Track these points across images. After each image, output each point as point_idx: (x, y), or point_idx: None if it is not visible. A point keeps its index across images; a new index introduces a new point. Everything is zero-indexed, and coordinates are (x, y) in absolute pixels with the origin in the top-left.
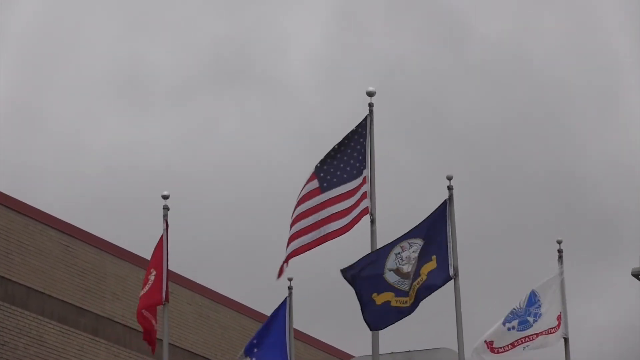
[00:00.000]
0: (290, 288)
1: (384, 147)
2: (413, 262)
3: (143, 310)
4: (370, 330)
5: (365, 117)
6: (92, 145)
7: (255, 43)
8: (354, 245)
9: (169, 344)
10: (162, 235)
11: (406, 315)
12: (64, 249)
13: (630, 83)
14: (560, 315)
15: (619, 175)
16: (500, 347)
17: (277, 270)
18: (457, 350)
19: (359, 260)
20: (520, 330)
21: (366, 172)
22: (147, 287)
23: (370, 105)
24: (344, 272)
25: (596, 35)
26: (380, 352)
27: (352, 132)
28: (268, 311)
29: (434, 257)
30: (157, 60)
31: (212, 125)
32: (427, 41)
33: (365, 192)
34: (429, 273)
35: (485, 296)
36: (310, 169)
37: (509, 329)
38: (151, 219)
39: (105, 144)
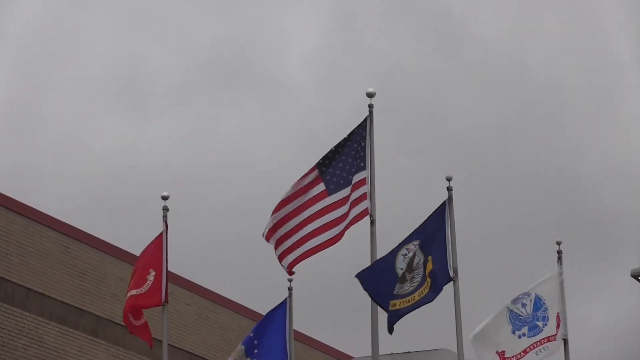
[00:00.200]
0: (290, 289)
1: (382, 148)
2: (410, 265)
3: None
4: (389, 332)
5: (365, 118)
6: (91, 146)
7: (255, 44)
8: (353, 246)
9: (168, 344)
10: (160, 234)
11: (402, 316)
12: (64, 250)
13: (629, 84)
14: (557, 315)
15: (618, 176)
16: (513, 356)
17: (286, 267)
18: (456, 351)
19: (370, 268)
20: (532, 337)
21: (366, 174)
22: (145, 287)
23: (370, 106)
24: (361, 281)
25: (595, 35)
26: (380, 353)
27: (352, 133)
28: (267, 312)
29: (430, 258)
30: (157, 61)
31: (211, 126)
32: (425, 42)
33: (365, 193)
34: (430, 273)
35: (485, 297)
36: (309, 168)
37: (519, 337)
38: (150, 220)
39: (105, 144)
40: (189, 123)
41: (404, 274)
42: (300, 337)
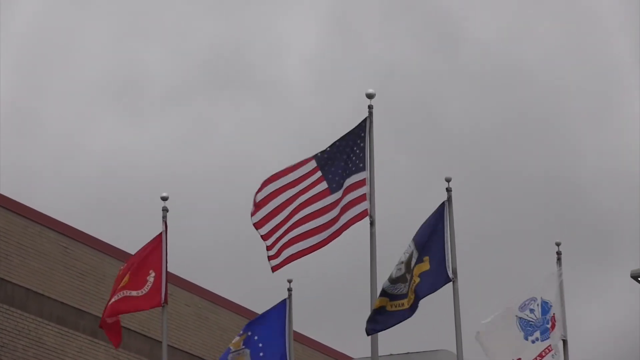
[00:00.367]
0: (289, 290)
1: (381, 149)
2: (402, 265)
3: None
4: (367, 334)
5: (365, 119)
6: (90, 147)
7: (252, 46)
8: (353, 247)
9: (168, 345)
10: (158, 235)
11: (406, 318)
12: (63, 251)
13: (628, 85)
14: (552, 317)
15: (617, 177)
16: None
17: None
18: (455, 352)
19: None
20: (544, 340)
21: (366, 174)
22: (145, 289)
23: (370, 107)
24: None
25: (593, 37)
26: (380, 354)
27: (350, 133)
28: None
29: (426, 258)
30: (155, 62)
31: (210, 127)
32: (423, 44)
33: (365, 194)
34: (422, 274)
35: (484, 298)
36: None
37: (533, 342)
38: (150, 221)
39: (104, 145)
40: (188, 124)
41: (399, 276)
42: (300, 338)
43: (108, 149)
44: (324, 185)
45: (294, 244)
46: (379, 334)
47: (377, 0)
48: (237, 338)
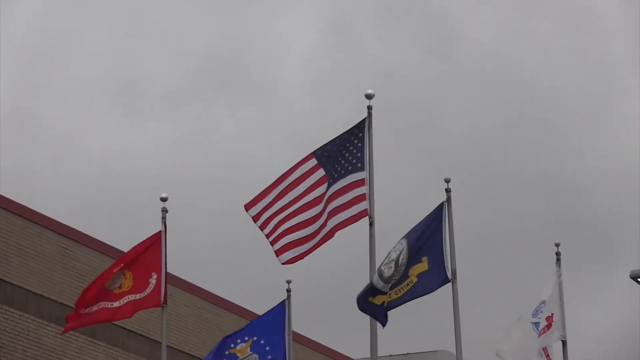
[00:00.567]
0: (288, 290)
1: (379, 149)
2: (392, 263)
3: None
4: (383, 325)
5: (364, 119)
6: (89, 148)
7: (249, 48)
8: (352, 248)
9: (168, 346)
10: (155, 235)
11: (379, 314)
12: (63, 252)
13: (627, 86)
14: (550, 316)
15: (616, 178)
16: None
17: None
18: (455, 353)
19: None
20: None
21: (365, 175)
22: (147, 291)
23: (369, 107)
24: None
25: (592, 37)
26: (379, 354)
27: (348, 132)
28: None
29: (424, 258)
30: (153, 64)
31: (209, 129)
32: (420, 46)
33: (364, 194)
34: (420, 275)
35: (484, 299)
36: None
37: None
38: (149, 222)
39: (102, 146)
40: (187, 125)
41: (393, 273)
42: (299, 339)
43: (107, 150)
44: (321, 172)
45: (294, 231)
46: (379, 334)
47: (375, 1)
48: (243, 344)
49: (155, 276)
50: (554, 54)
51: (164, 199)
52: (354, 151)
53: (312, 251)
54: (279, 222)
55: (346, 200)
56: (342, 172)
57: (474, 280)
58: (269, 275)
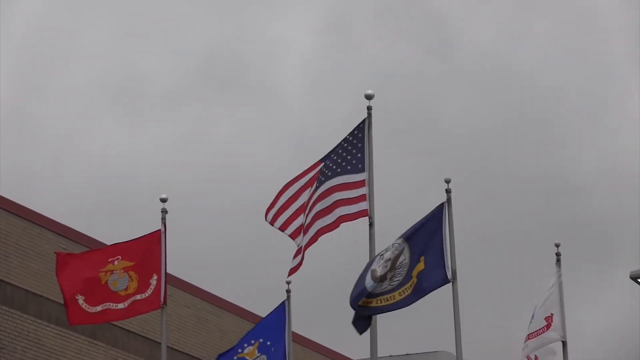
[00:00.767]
0: (288, 291)
1: (379, 150)
2: (388, 263)
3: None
4: (360, 334)
5: (364, 120)
6: (89, 149)
7: (248, 49)
8: (352, 249)
9: (167, 347)
10: (152, 233)
11: (372, 314)
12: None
13: (626, 86)
14: (549, 316)
15: (615, 178)
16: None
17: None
18: (455, 353)
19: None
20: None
21: (365, 175)
22: (148, 292)
23: (369, 108)
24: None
25: (591, 38)
26: (379, 355)
27: (350, 134)
28: (267, 314)
29: (422, 258)
30: (153, 65)
31: (208, 129)
32: (419, 46)
33: (364, 194)
34: (419, 274)
35: (484, 299)
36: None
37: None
38: (149, 222)
39: (102, 147)
40: (187, 125)
41: (386, 273)
42: (299, 340)
43: (107, 150)
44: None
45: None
46: (379, 334)
47: (374, 2)
48: (250, 347)
49: (155, 277)
50: (553, 54)
51: (163, 200)
52: (354, 152)
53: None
54: (299, 222)
55: (346, 197)
56: (339, 170)
57: (474, 280)
58: (269, 275)
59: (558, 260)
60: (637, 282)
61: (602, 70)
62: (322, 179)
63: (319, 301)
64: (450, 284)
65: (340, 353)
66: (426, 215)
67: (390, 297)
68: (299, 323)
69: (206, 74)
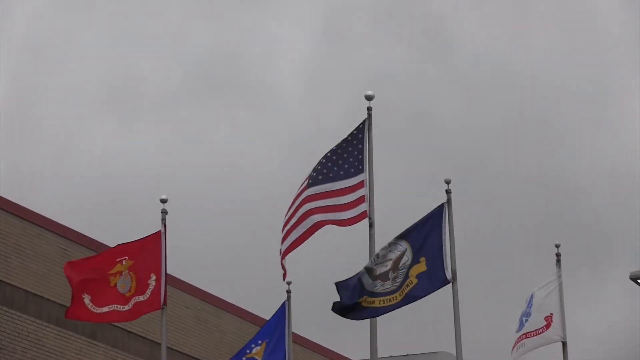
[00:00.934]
0: (288, 292)
1: (378, 151)
2: (389, 262)
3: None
4: (335, 310)
5: (364, 121)
6: (88, 150)
7: (245, 52)
8: (352, 249)
9: (167, 347)
10: (151, 235)
11: (375, 315)
12: (62, 253)
13: (625, 87)
14: (549, 316)
15: (615, 179)
16: (511, 351)
17: (281, 270)
18: (455, 354)
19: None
20: (518, 331)
21: (364, 176)
22: (147, 293)
23: (369, 109)
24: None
25: (589, 39)
26: (379, 355)
27: (350, 135)
28: (267, 315)
29: (422, 259)
30: (149, 68)
31: (204, 133)
32: (416, 49)
33: (364, 195)
34: (419, 275)
35: (484, 300)
36: (301, 175)
37: (515, 333)
38: (149, 223)
39: (101, 148)
40: (183, 128)
41: (387, 272)
42: (299, 340)
43: (106, 151)
44: (305, 180)
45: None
46: (378, 335)
47: (371, 5)
48: (258, 347)
49: (154, 277)
50: (552, 54)
51: (163, 201)
52: (355, 153)
53: (303, 240)
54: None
55: (347, 202)
56: (341, 172)
57: (474, 281)
58: (269, 276)
59: (558, 261)
60: (637, 283)
61: (601, 71)
62: (312, 182)
63: (319, 302)
64: (450, 284)
65: (340, 354)
66: (426, 216)
67: (392, 297)
68: (299, 323)
69: (204, 76)
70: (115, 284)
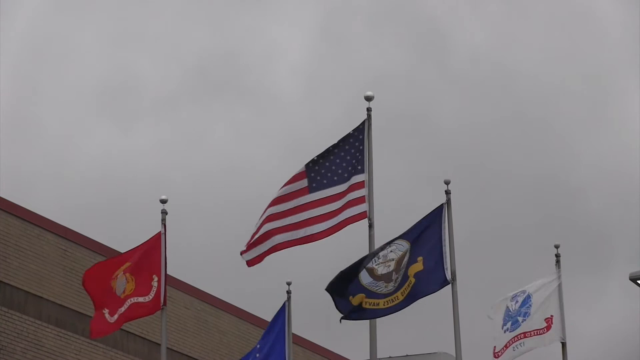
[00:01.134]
0: (288, 292)
1: (377, 151)
2: (391, 263)
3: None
4: (342, 317)
5: (363, 122)
6: (87, 151)
7: (244, 53)
8: (352, 250)
9: (167, 348)
10: (154, 236)
11: (375, 317)
12: (62, 253)
13: (624, 87)
14: (549, 318)
15: (613, 181)
16: (499, 351)
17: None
18: (454, 355)
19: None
20: (512, 331)
21: (364, 177)
22: (150, 295)
23: (369, 109)
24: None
25: (589, 39)
26: (378, 356)
27: (348, 135)
28: (266, 315)
29: (420, 258)
30: (148, 69)
31: (203, 133)
32: (414, 50)
33: (364, 196)
34: (416, 275)
35: (483, 301)
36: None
37: (505, 332)
38: (148, 223)
39: (101, 149)
40: (182, 129)
41: (391, 272)
42: (299, 341)
43: (105, 152)
44: (304, 183)
45: (268, 238)
46: (378, 336)
47: (369, 6)
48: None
49: (156, 279)
50: (551, 55)
51: (163, 201)
52: (356, 153)
53: (292, 245)
54: (261, 226)
55: (347, 201)
56: (347, 176)
57: (474, 282)
58: (269, 277)
59: (557, 262)
60: (637, 284)
61: (601, 71)
62: (314, 185)
63: (318, 302)
64: (450, 285)
65: (339, 354)
66: (426, 216)
67: (394, 297)
68: (299, 324)
69: (203, 76)
70: (115, 288)
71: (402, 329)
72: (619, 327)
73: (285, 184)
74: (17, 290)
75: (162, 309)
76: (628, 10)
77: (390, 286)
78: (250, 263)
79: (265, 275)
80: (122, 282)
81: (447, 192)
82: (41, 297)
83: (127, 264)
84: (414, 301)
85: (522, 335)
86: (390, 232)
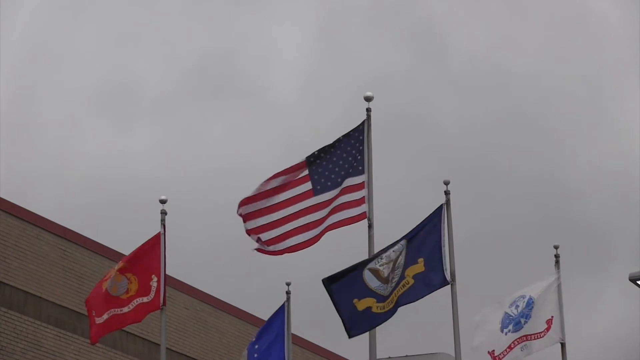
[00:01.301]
0: (288, 293)
1: (377, 152)
2: (391, 264)
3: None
4: (349, 336)
5: (363, 122)
6: (87, 151)
7: (241, 54)
8: (352, 250)
9: (167, 348)
10: (154, 237)
11: (384, 321)
12: (62, 254)
13: (623, 88)
14: (550, 320)
15: (612, 182)
16: (501, 353)
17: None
18: (454, 355)
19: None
20: (515, 332)
21: (364, 177)
22: (151, 295)
23: (368, 110)
24: (326, 281)
25: (588, 40)
26: (378, 356)
27: (347, 135)
28: (266, 316)
29: (420, 259)
30: (145, 71)
31: (200, 134)
32: (411, 51)
33: (363, 197)
34: (416, 276)
35: (483, 301)
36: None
37: (506, 334)
38: (148, 224)
39: (100, 150)
40: (180, 130)
41: (389, 274)
42: (299, 341)
43: (104, 153)
44: (308, 185)
45: (284, 240)
46: (377, 336)
47: (366, 8)
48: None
49: (155, 279)
50: (549, 56)
51: (163, 202)
52: (356, 154)
53: (293, 251)
54: (261, 218)
55: (344, 201)
56: (344, 175)
57: (473, 282)
58: (268, 277)
59: (557, 263)
60: (637, 284)
61: (600, 72)
62: (319, 187)
63: (318, 303)
64: (449, 286)
65: (339, 355)
66: (427, 217)
67: (391, 300)
68: (298, 324)
69: (201, 78)
70: (106, 289)
71: (402, 329)
72: (619, 328)
73: (282, 173)
74: (17, 291)
75: (162, 309)
76: (627, 12)
77: (389, 287)
78: (263, 251)
79: (265, 276)
80: (122, 283)
81: (447, 193)
82: (40, 298)
83: (121, 264)
84: (412, 302)
85: (525, 337)
86: (390, 232)
